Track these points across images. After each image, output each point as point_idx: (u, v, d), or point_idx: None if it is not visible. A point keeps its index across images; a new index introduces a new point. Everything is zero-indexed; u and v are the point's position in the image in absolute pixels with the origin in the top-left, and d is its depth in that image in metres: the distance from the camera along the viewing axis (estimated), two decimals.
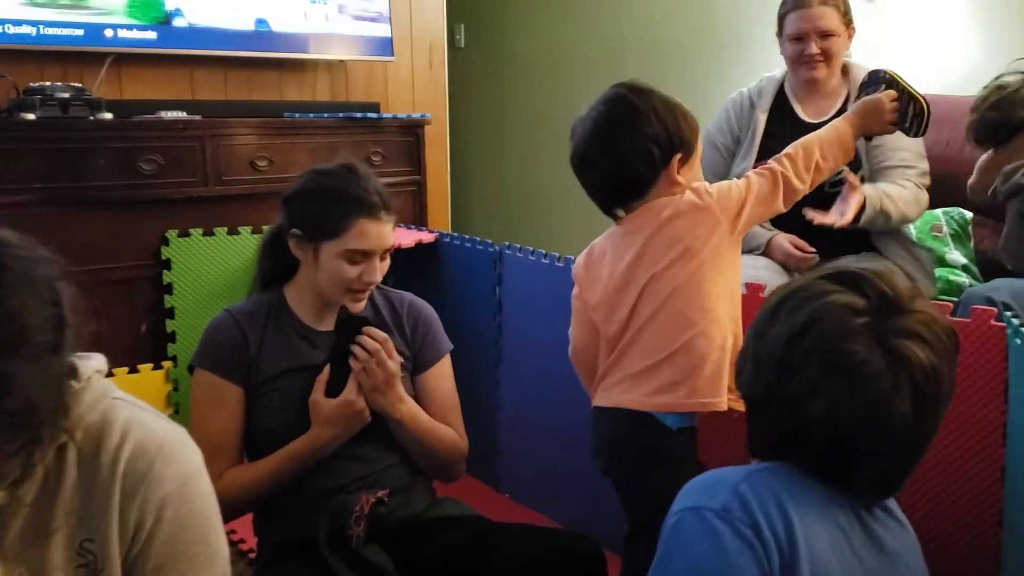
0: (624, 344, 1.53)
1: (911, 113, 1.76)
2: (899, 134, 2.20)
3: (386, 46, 3.30)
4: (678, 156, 1.51)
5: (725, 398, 1.48)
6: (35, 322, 0.83)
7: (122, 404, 0.99)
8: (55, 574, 0.92)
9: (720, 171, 2.43)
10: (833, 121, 1.69)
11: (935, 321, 0.97)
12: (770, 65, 2.54)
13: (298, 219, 1.61)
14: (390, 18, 3.29)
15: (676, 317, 1.48)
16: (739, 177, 2.29)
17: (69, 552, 0.92)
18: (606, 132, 1.52)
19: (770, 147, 2.31)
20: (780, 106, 2.38)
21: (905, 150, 2.25)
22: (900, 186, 2.22)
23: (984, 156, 2.12)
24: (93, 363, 0.99)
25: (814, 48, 2.27)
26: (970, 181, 2.15)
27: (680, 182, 1.52)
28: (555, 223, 4.82)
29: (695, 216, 1.50)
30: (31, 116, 2.41)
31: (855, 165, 2.25)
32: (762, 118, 2.35)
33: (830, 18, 2.26)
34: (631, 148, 1.49)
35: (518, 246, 2.32)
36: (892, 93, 1.76)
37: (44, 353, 0.84)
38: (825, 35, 2.27)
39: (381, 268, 1.63)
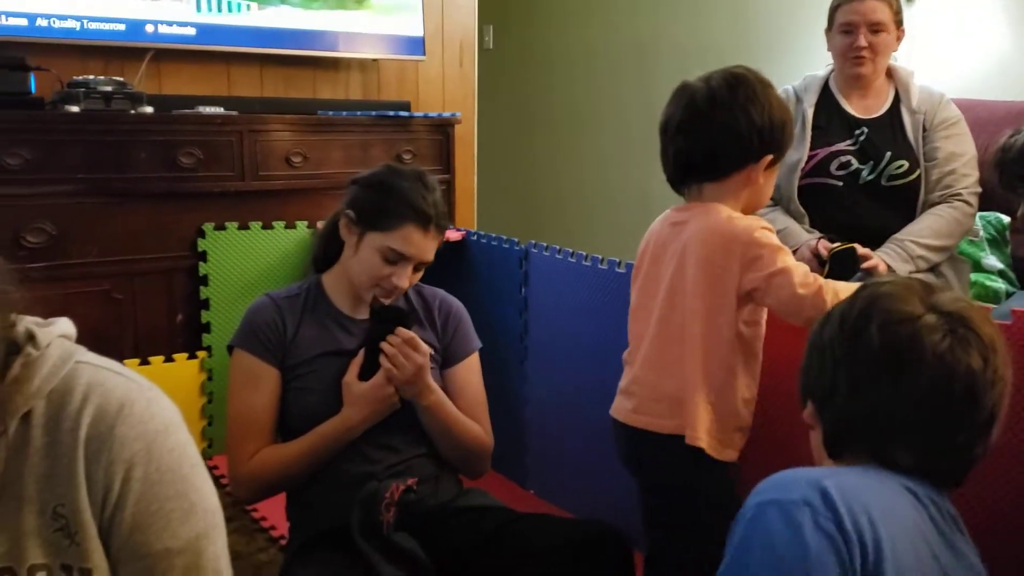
0: (642, 341, 1.56)
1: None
2: (954, 146, 2.21)
3: (418, 45, 3.34)
4: (769, 157, 1.50)
5: (709, 441, 1.46)
6: None
7: (86, 367, 0.96)
8: (32, 540, 0.91)
9: None
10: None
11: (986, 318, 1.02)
12: (804, 68, 2.56)
13: (356, 202, 1.67)
14: (423, 17, 3.34)
15: (679, 335, 1.49)
16: (792, 167, 2.32)
17: (43, 518, 0.92)
18: (717, 104, 1.48)
19: (820, 138, 2.35)
20: (826, 102, 2.40)
21: (957, 160, 2.28)
22: (937, 216, 2.25)
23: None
24: (56, 328, 0.97)
25: (863, 41, 2.28)
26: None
27: (759, 183, 1.51)
28: (580, 223, 4.85)
29: (736, 257, 1.45)
30: (75, 108, 2.46)
31: (913, 166, 2.29)
32: (809, 111, 2.37)
33: (882, 12, 2.27)
34: (734, 127, 1.46)
35: (544, 244, 2.35)
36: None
37: None
38: (875, 29, 2.28)
39: (411, 278, 1.68)
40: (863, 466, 1.02)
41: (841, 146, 2.34)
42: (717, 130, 1.47)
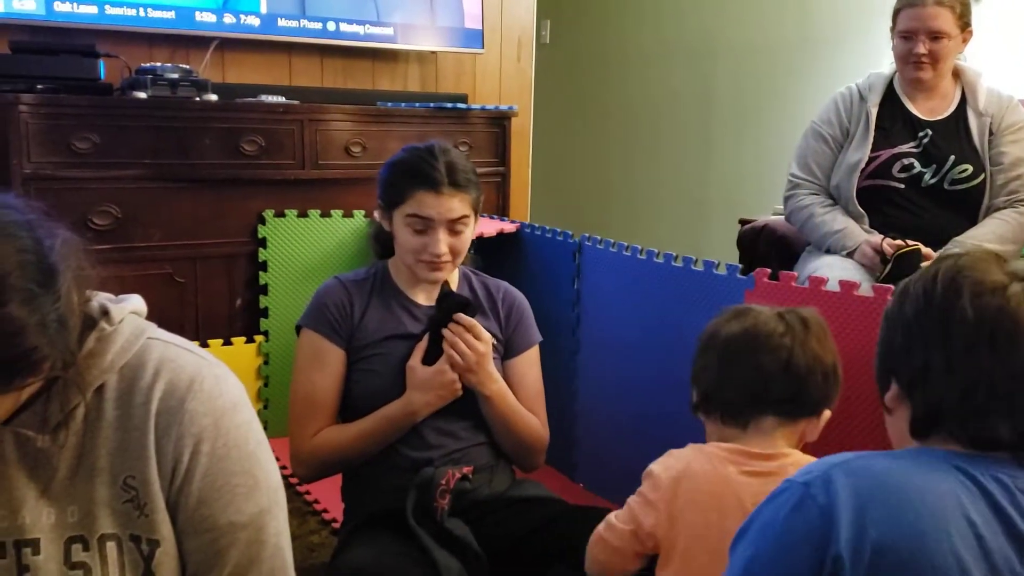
0: None
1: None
2: (1021, 151, 2.20)
3: (477, 38, 3.36)
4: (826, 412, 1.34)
5: None
6: (10, 268, 0.81)
7: (158, 343, 0.99)
8: (103, 510, 0.94)
9: (825, 162, 2.42)
10: None
11: None
12: (867, 67, 2.53)
13: (379, 188, 1.73)
14: (482, 11, 3.36)
15: None
16: (852, 167, 2.28)
17: (114, 489, 0.94)
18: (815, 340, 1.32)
19: (883, 140, 2.31)
20: (891, 101, 2.37)
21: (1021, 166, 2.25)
22: (1002, 221, 2.22)
23: None
24: (128, 305, 1.00)
25: (922, 48, 2.25)
26: None
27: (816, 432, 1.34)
28: (631, 219, 4.84)
29: None
30: (142, 95, 2.51)
31: (977, 171, 2.25)
32: (873, 111, 2.34)
33: (943, 20, 2.23)
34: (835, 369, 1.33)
35: (598, 238, 2.35)
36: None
37: (32, 298, 0.82)
38: (936, 36, 2.24)
39: (449, 242, 1.67)
40: (914, 450, 0.99)
41: (904, 148, 2.30)
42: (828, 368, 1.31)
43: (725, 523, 1.19)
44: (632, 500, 1.32)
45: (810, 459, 1.22)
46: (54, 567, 0.93)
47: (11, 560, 0.92)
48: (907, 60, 2.29)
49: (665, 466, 1.30)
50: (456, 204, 1.67)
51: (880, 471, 0.91)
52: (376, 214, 1.76)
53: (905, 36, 2.28)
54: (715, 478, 1.25)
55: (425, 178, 1.65)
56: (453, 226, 1.67)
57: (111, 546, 0.94)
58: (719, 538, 1.17)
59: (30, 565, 0.92)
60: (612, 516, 1.34)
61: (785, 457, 1.26)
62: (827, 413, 1.32)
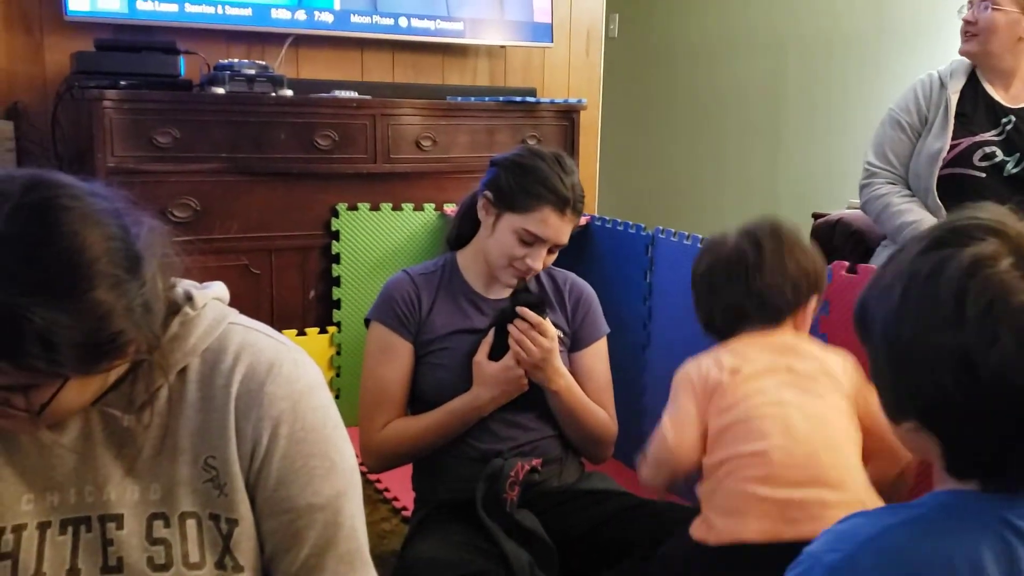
0: None
1: None
2: None
3: (546, 32, 3.36)
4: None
5: None
6: (98, 254, 0.83)
7: (239, 328, 1.01)
8: (184, 489, 0.96)
9: (902, 150, 2.36)
10: None
11: None
12: (944, 59, 2.46)
13: (495, 183, 1.68)
14: (551, 5, 3.35)
15: None
16: (932, 156, 2.23)
17: (195, 468, 0.97)
18: (760, 265, 1.46)
19: (963, 127, 2.25)
20: (973, 88, 2.31)
21: None
22: None
23: None
24: (211, 291, 1.02)
25: (969, 16, 2.21)
26: None
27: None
28: (697, 212, 4.79)
29: None
30: (221, 90, 2.57)
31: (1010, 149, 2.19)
32: (953, 97, 2.28)
33: None
34: (782, 283, 1.47)
35: (672, 230, 2.33)
36: None
37: (118, 283, 0.84)
38: (986, 5, 2.19)
39: (546, 259, 1.69)
40: (954, 503, 0.84)
41: (985, 136, 2.24)
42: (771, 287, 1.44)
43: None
44: (666, 411, 1.45)
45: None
46: (136, 542, 0.95)
47: (96, 533, 0.95)
48: (961, 32, 2.24)
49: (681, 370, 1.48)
50: (569, 229, 1.68)
51: (909, 556, 0.81)
52: (480, 205, 1.71)
53: (961, 9, 2.24)
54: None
55: (556, 195, 1.63)
56: (556, 247, 1.69)
57: (191, 524, 0.97)
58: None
59: (114, 539, 0.95)
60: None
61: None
62: (813, 302, 1.47)
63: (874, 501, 1.27)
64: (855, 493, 1.28)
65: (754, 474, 1.30)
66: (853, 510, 0.92)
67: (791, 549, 0.90)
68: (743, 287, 1.44)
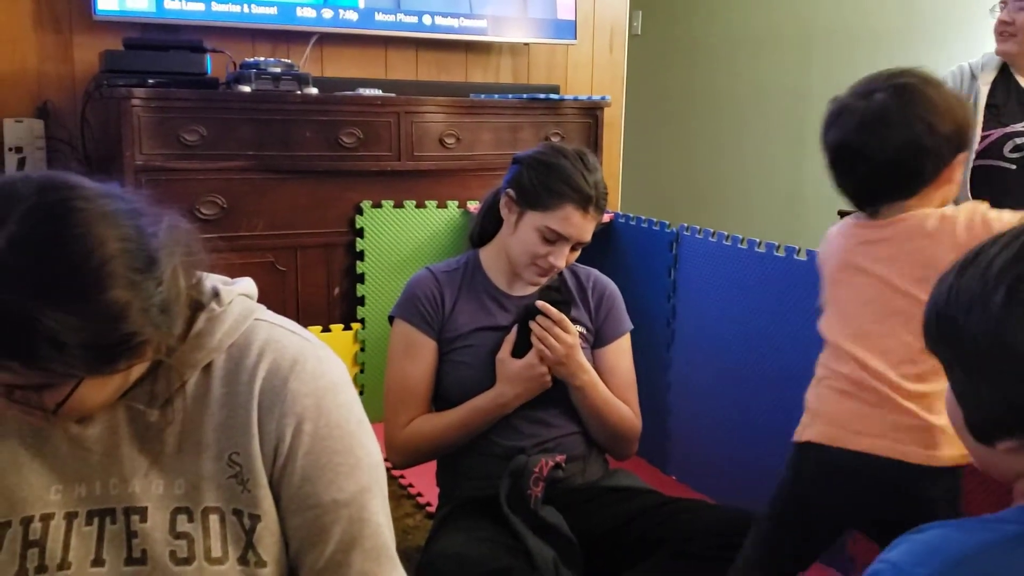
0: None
1: None
2: None
3: (569, 29, 3.35)
4: (964, 154, 1.39)
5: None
6: (112, 254, 0.83)
7: (264, 324, 1.01)
8: (208, 484, 0.97)
9: None
10: None
11: None
12: (980, 48, 2.44)
13: (518, 181, 1.68)
14: (575, 1, 3.35)
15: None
16: None
17: (219, 464, 0.97)
18: (892, 124, 1.36)
19: (993, 118, 2.24)
20: (1005, 80, 2.29)
21: None
22: None
23: None
24: (238, 287, 1.03)
25: (1006, 15, 2.19)
26: None
27: (955, 178, 1.40)
28: (721, 210, 4.77)
29: (955, 248, 1.27)
30: (247, 88, 2.58)
31: None
32: (984, 89, 2.26)
33: None
34: (921, 143, 1.34)
35: (697, 227, 2.32)
36: None
37: (133, 284, 0.84)
38: (1022, 6, 2.16)
39: (569, 257, 1.69)
40: None
41: (1017, 127, 2.22)
42: (904, 151, 1.35)
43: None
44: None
45: (929, 211, 1.36)
46: (160, 535, 0.96)
47: (120, 526, 0.96)
48: (996, 32, 2.22)
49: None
50: (592, 226, 1.68)
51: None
52: (502, 203, 1.71)
53: (996, 7, 2.22)
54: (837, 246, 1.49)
55: (579, 193, 1.63)
56: (579, 245, 1.69)
57: (214, 519, 0.97)
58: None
59: (138, 532, 0.96)
60: None
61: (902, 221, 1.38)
62: (961, 157, 1.39)
63: None
64: None
65: None
66: None
67: None
68: (869, 166, 1.41)
